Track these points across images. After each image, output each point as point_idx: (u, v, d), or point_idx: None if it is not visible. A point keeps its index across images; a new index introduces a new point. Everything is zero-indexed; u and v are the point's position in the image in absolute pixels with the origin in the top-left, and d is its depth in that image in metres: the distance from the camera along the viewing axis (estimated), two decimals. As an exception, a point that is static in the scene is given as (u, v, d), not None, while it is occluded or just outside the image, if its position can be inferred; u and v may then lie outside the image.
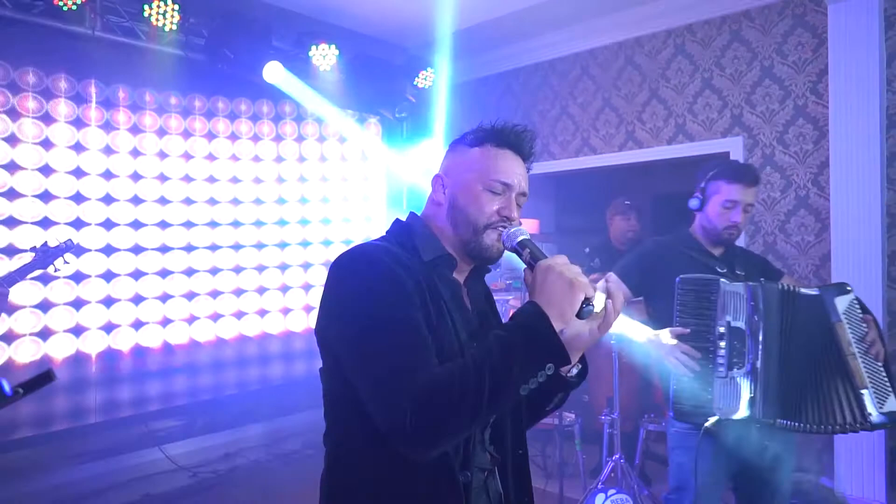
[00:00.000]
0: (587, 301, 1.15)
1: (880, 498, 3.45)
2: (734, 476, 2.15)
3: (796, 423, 1.95)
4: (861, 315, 2.02)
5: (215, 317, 4.09)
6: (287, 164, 4.42)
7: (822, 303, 2.01)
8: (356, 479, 1.21)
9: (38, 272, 2.51)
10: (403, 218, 1.37)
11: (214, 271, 4.06)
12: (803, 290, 2.05)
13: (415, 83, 4.81)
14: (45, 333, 3.32)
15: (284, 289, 4.44)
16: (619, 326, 2.17)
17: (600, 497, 3.22)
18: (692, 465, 2.02)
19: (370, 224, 4.94)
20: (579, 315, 1.15)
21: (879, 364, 1.98)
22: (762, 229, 4.06)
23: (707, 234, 2.24)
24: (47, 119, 3.30)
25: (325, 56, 4.14)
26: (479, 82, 5.58)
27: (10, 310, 3.05)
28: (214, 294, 4.07)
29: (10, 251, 3.18)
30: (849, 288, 2.04)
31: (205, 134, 3.95)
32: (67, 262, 2.59)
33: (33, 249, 2.62)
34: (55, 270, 2.58)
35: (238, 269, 4.19)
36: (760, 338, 1.97)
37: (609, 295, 1.20)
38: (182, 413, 4.15)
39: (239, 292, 4.20)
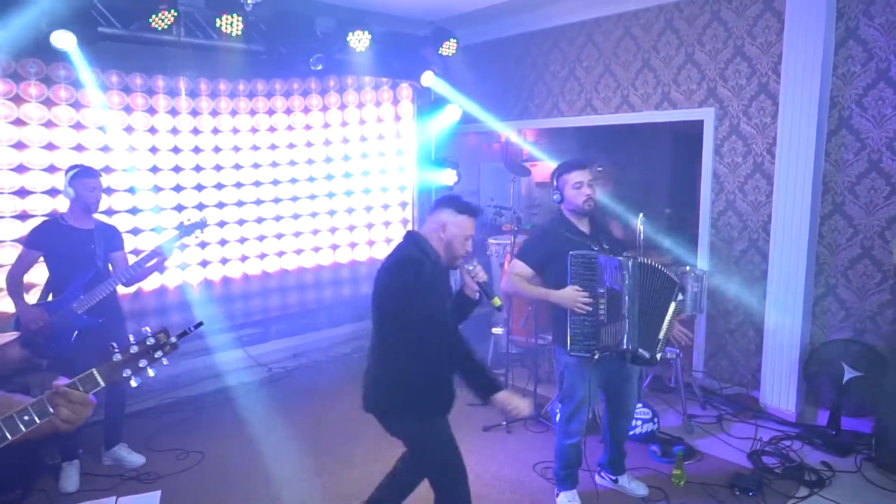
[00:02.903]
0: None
1: (791, 409, 4.38)
2: (603, 384, 3.22)
3: (647, 353, 2.98)
4: (679, 314, 3.09)
5: (280, 253, 5.28)
6: (333, 129, 5.40)
7: (674, 285, 3.02)
8: (421, 373, 2.43)
9: (187, 240, 3.71)
10: (413, 231, 2.64)
11: (278, 218, 5.21)
12: (667, 271, 3.01)
13: (439, 52, 5.58)
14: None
15: (332, 230, 5.57)
16: (541, 293, 3.11)
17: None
18: (581, 382, 3.06)
19: (403, 174, 5.92)
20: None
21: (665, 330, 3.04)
22: (725, 188, 4.79)
23: (574, 213, 3.10)
24: (152, 111, 4.39)
25: (360, 40, 4.96)
26: (497, 42, 6.24)
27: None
28: (279, 236, 5.24)
29: (134, 211, 4.41)
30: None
31: (266, 111, 4.97)
32: (203, 233, 3.77)
33: (179, 226, 3.78)
34: (195, 238, 3.78)
35: (296, 216, 5.32)
36: (628, 296, 2.93)
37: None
38: (258, 325, 5.45)
39: (297, 234, 5.36)
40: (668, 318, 3.03)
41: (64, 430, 1.51)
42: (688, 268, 4.65)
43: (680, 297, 3.06)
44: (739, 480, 3.53)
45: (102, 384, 1.56)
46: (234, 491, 3.57)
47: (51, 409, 1.48)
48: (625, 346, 2.96)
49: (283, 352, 5.80)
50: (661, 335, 3.02)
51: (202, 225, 3.75)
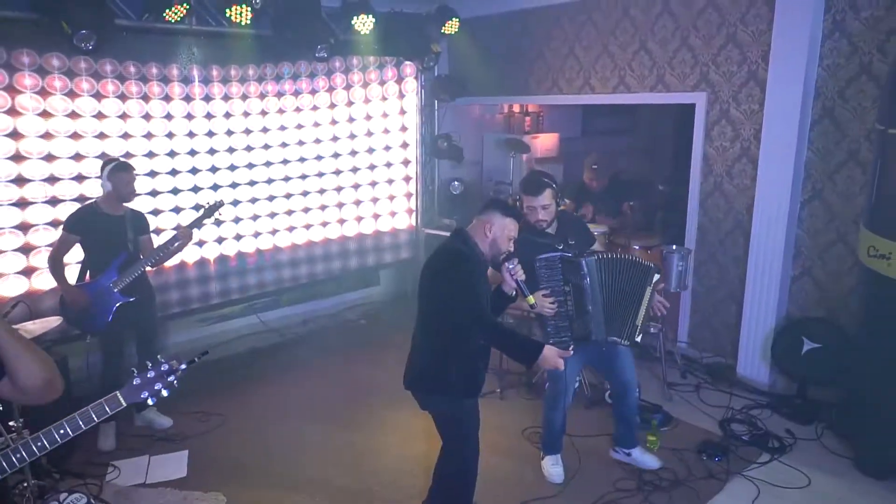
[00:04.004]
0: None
1: (764, 380, 4.72)
2: (594, 362, 3.57)
3: (619, 339, 3.30)
4: (659, 287, 3.30)
5: (291, 228, 5.59)
6: (339, 108, 5.62)
7: (648, 271, 3.26)
8: (463, 358, 2.76)
9: (206, 221, 4.08)
10: (461, 228, 2.86)
11: (288, 196, 5.51)
12: (637, 259, 3.28)
13: (442, 31, 5.73)
14: (179, 245, 4.92)
15: (340, 205, 5.86)
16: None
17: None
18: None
19: (408, 150, 6.15)
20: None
21: (647, 317, 3.30)
22: (714, 171, 5.00)
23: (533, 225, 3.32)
24: (167, 99, 4.64)
25: (364, 23, 5.12)
26: (500, 17, 6.33)
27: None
28: (289, 212, 5.55)
29: (154, 193, 4.72)
30: (661, 270, 3.27)
31: (275, 93, 5.20)
32: (221, 214, 4.13)
33: (199, 207, 4.14)
34: (216, 219, 4.21)
35: (305, 193, 5.61)
36: (590, 292, 3.21)
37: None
38: (271, 293, 5.80)
39: (307, 209, 5.65)
40: (644, 303, 3.27)
41: None
42: (674, 247, 4.93)
43: (656, 277, 3.29)
44: (707, 446, 3.89)
45: (124, 404, 1.89)
46: (254, 450, 3.98)
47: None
48: (594, 337, 3.28)
49: (293, 318, 6.19)
50: (640, 320, 3.28)
51: (221, 205, 4.11)
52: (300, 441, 4.08)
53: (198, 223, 4.07)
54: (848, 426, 3.94)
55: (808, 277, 4.60)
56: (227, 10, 4.44)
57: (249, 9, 4.45)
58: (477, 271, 2.73)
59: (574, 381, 3.65)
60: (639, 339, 3.31)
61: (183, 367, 1.97)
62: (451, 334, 2.71)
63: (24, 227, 4.25)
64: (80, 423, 1.82)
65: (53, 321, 3.25)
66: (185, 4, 4.19)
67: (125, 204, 3.96)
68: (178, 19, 4.25)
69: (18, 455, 1.77)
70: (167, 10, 4.14)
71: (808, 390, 4.39)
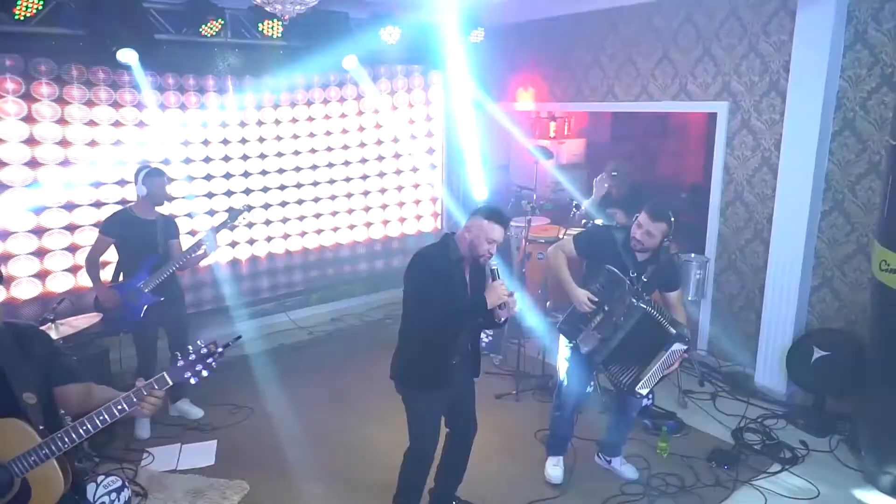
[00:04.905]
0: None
1: (782, 390, 4.72)
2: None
3: (609, 373, 3.41)
4: (680, 354, 3.28)
5: (319, 231, 5.82)
6: (366, 115, 5.82)
7: (669, 336, 3.21)
8: (419, 351, 2.97)
9: (233, 224, 4.32)
10: (448, 233, 3.02)
11: (317, 199, 5.74)
12: (665, 324, 3.22)
13: (468, 40, 5.86)
14: (212, 246, 5.20)
15: (367, 209, 6.07)
16: (565, 279, 3.45)
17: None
18: (575, 364, 3.52)
19: (433, 155, 6.32)
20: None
21: (660, 374, 3.29)
22: (734, 180, 5.01)
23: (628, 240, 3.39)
24: (203, 107, 4.91)
25: (391, 34, 5.31)
26: (525, 25, 6.43)
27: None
28: (317, 215, 5.78)
29: (190, 197, 5.00)
30: (688, 339, 3.25)
31: (305, 102, 5.43)
32: (246, 219, 4.36)
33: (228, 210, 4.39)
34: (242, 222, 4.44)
35: (333, 197, 5.83)
36: (616, 327, 3.28)
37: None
38: (300, 293, 6.05)
39: (335, 213, 5.88)
40: (655, 361, 3.23)
41: (141, 417, 2.07)
42: (692, 255, 4.96)
43: (677, 346, 3.20)
44: (717, 455, 3.94)
45: (170, 383, 2.10)
46: (278, 442, 4.19)
47: (135, 400, 2.05)
48: (593, 357, 3.38)
49: (322, 316, 6.41)
50: (645, 375, 3.25)
51: (245, 210, 4.35)
52: (322, 434, 4.28)
53: (223, 227, 4.29)
54: (862, 439, 3.93)
55: (827, 288, 4.58)
56: (260, 24, 4.68)
57: (280, 23, 4.68)
58: (442, 270, 2.85)
59: (585, 387, 3.74)
60: (641, 390, 3.31)
61: (220, 350, 2.16)
62: (414, 326, 2.95)
63: (71, 228, 4.57)
64: (134, 398, 2.05)
65: (96, 316, 3.52)
66: (220, 19, 4.43)
67: (157, 209, 4.20)
68: (214, 33, 4.50)
69: (84, 427, 2.01)
70: (203, 25, 4.39)
71: (825, 402, 4.37)
